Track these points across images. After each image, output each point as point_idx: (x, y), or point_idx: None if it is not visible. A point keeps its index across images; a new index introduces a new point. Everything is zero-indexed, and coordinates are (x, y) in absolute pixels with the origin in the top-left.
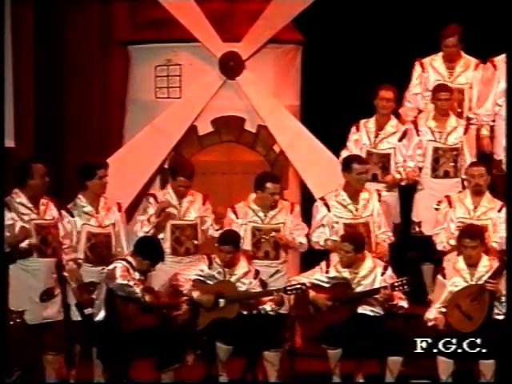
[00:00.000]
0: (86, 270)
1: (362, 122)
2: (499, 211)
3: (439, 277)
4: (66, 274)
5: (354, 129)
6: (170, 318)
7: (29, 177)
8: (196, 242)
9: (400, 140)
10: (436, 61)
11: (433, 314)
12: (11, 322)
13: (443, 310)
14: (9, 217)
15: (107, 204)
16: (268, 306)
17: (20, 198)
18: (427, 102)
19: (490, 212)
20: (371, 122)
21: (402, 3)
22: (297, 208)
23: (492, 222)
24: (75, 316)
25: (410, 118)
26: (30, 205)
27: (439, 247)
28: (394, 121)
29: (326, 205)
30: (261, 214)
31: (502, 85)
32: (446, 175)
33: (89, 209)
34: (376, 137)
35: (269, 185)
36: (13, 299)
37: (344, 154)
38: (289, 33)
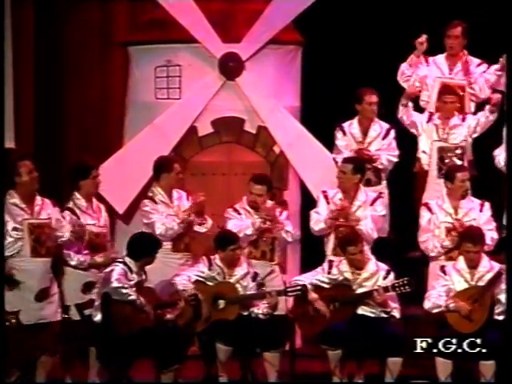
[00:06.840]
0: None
1: (345, 125)
2: (481, 211)
3: (439, 273)
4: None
5: (340, 133)
6: (168, 318)
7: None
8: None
9: (384, 138)
10: (439, 58)
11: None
12: (7, 323)
13: (443, 297)
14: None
15: (98, 205)
16: (260, 310)
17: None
18: (427, 101)
19: (471, 213)
20: (355, 127)
21: (402, 4)
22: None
23: (476, 223)
24: (74, 316)
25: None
26: (22, 205)
27: (432, 254)
28: (376, 124)
29: (327, 197)
30: (255, 216)
31: None
32: None
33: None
34: (362, 142)
35: (251, 185)
36: (7, 300)
37: (337, 157)
38: (289, 33)
